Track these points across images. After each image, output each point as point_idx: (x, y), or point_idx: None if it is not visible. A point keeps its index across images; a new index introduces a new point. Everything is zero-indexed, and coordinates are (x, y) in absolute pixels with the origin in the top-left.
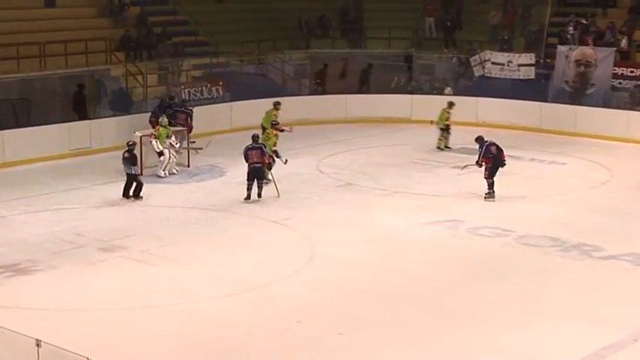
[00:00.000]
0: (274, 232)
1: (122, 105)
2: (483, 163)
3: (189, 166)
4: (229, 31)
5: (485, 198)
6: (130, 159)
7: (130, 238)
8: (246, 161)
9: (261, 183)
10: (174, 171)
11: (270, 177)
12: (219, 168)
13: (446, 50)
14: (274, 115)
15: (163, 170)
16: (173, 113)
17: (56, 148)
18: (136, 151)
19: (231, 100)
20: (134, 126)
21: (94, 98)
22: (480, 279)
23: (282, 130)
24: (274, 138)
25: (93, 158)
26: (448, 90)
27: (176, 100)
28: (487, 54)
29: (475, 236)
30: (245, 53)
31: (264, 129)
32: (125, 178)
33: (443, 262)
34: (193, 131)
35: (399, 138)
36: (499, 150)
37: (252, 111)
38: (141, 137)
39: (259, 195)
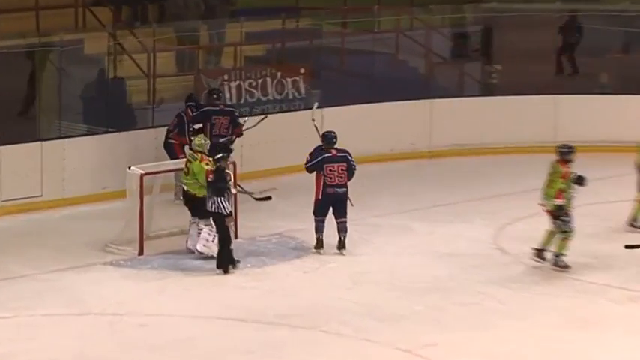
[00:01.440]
0: None
1: (107, 112)
2: None
3: (236, 237)
4: None
5: None
6: (213, 185)
7: None
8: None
9: (344, 222)
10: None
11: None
12: (296, 240)
13: None
14: None
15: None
16: (200, 114)
17: None
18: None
19: (321, 105)
20: (130, 155)
21: (52, 98)
22: None
23: None
24: (560, 182)
25: (47, 218)
26: None
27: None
28: None
29: None
30: (351, 11)
31: None
32: None
33: None
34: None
35: None
36: None
37: (365, 125)
38: (141, 177)
39: (341, 245)
